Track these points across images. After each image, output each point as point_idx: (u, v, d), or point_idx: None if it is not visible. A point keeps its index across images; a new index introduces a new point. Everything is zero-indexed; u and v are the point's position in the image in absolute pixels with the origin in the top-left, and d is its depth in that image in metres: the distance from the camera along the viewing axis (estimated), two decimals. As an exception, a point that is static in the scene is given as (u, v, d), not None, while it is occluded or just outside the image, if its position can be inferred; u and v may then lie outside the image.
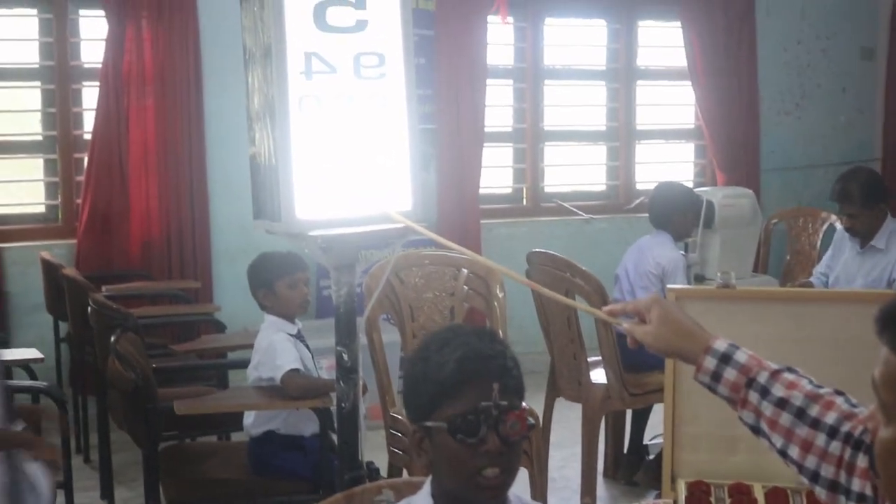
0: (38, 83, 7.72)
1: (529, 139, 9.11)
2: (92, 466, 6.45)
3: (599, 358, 5.74)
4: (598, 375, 5.77)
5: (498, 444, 2.31)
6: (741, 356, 2.26)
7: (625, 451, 6.26)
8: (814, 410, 2.15)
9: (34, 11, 7.65)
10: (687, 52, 9.22)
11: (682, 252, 6.56)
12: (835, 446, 2.10)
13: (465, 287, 5.30)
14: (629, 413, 6.19)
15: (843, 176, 6.17)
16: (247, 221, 7.42)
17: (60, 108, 7.66)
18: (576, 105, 9.52)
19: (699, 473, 3.04)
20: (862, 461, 2.07)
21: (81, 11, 7.72)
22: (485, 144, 8.61)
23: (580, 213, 9.00)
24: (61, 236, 7.66)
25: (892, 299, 1.69)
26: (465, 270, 5.34)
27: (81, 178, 7.58)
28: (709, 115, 9.31)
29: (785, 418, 2.17)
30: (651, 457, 6.12)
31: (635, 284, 6.15)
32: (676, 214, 6.30)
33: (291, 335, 4.92)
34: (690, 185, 8.08)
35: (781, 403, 2.18)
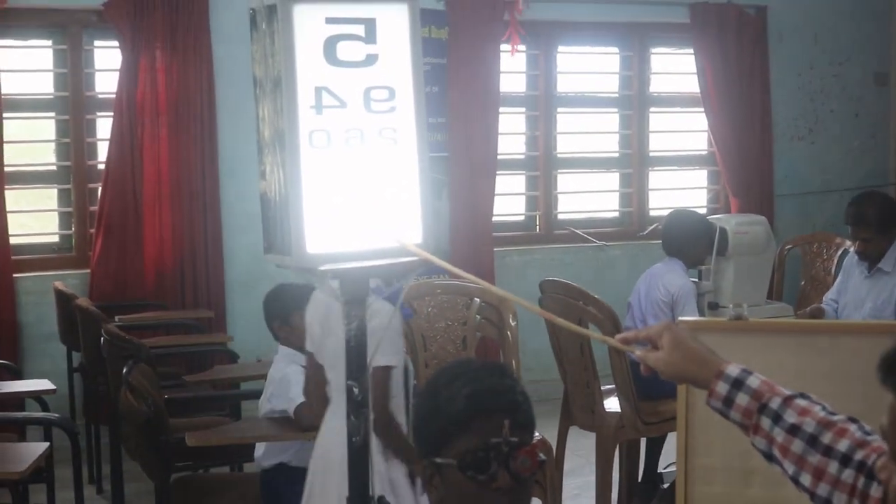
0: (52, 114, 7.76)
1: (542, 166, 9.10)
2: (105, 497, 6.46)
3: (613, 386, 5.72)
4: (612, 404, 5.75)
5: (509, 480, 2.30)
6: (754, 381, 2.25)
7: (639, 479, 6.23)
8: (826, 437, 2.14)
9: (49, 42, 7.70)
10: (699, 78, 9.22)
11: (695, 280, 6.55)
12: (847, 474, 2.09)
13: (478, 316, 5.31)
14: (643, 441, 6.17)
15: (858, 200, 6.17)
16: (260, 251, 7.40)
17: (74, 138, 7.69)
18: (588, 132, 9.54)
19: (712, 507, 3.03)
20: (876, 491, 2.05)
21: (96, 42, 7.78)
22: (497, 172, 8.61)
23: (593, 239, 8.99)
24: (75, 266, 7.68)
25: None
26: (477, 300, 5.35)
27: (95, 208, 7.59)
28: (722, 141, 9.30)
29: (797, 445, 2.16)
30: (666, 485, 6.10)
31: (646, 312, 6.13)
32: (689, 242, 6.30)
33: (304, 367, 4.91)
34: (704, 211, 8.11)
35: (794, 430, 2.17)
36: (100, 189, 7.56)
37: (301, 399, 4.69)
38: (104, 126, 7.69)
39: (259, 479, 5.03)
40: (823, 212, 9.49)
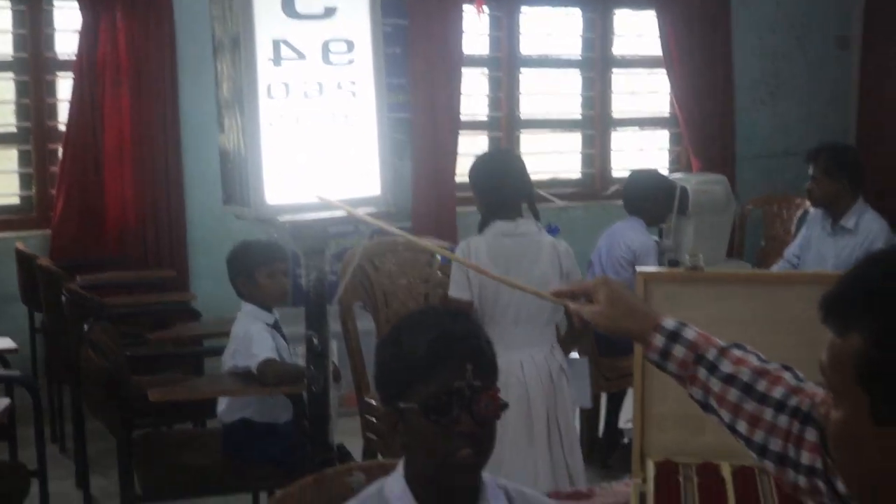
0: (11, 74, 7.69)
1: (505, 127, 9.12)
2: (67, 455, 6.45)
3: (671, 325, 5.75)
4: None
5: (471, 424, 2.31)
6: (690, 333, 2.27)
7: (600, 435, 6.29)
8: (761, 385, 2.16)
9: (8, 3, 7.61)
10: (662, 40, 9.26)
11: (656, 238, 6.60)
12: (783, 420, 2.12)
13: (440, 273, 5.31)
14: (604, 397, 6.22)
15: (823, 142, 6.37)
16: (223, 212, 7.43)
17: (34, 98, 7.64)
18: (551, 93, 9.53)
19: (668, 453, 3.06)
20: (811, 435, 2.08)
21: (56, 3, 7.69)
22: (460, 133, 8.62)
23: (555, 200, 9.00)
24: (36, 227, 7.65)
25: (832, 286, 1.71)
26: (439, 256, 5.36)
27: (56, 168, 7.57)
28: (684, 103, 9.34)
29: (733, 394, 2.19)
30: (626, 440, 6.16)
31: (607, 270, 6.19)
32: (649, 201, 6.36)
33: (268, 325, 4.94)
34: (665, 172, 8.13)
35: (729, 379, 2.19)
36: (60, 150, 7.52)
37: (265, 355, 4.72)
38: (65, 86, 7.64)
39: (221, 434, 5.06)
40: (784, 173, 9.53)
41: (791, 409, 2.12)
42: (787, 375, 2.17)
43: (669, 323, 2.28)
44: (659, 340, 2.27)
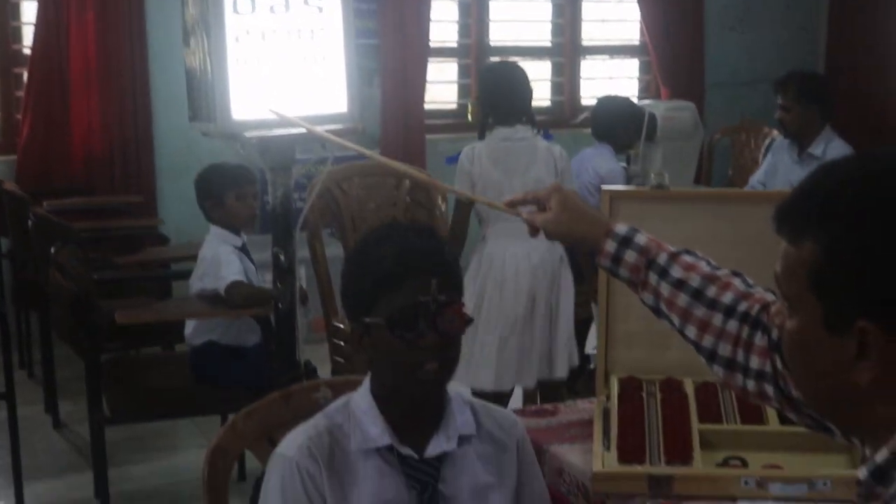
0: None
1: (475, 55, 9.07)
2: (36, 381, 6.46)
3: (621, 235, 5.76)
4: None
5: (436, 338, 2.33)
6: (641, 239, 2.29)
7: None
8: (711, 291, 2.18)
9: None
10: (632, -34, 9.24)
11: (624, 164, 6.62)
12: (732, 325, 2.14)
13: (408, 198, 5.32)
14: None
15: (792, 70, 6.38)
16: (191, 137, 7.40)
17: (2, 31, 7.57)
18: (521, 21, 9.48)
19: (632, 370, 3.10)
20: (760, 339, 2.11)
21: (20, -78, 7.61)
22: (430, 60, 8.59)
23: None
24: (1, 152, 7.59)
25: (785, 197, 1.72)
26: (407, 182, 5.36)
27: (21, 93, 7.50)
28: (653, 31, 9.33)
29: (682, 298, 2.21)
30: (592, 366, 6.18)
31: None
32: (617, 127, 6.36)
33: (236, 248, 4.95)
34: (634, 99, 8.13)
35: (679, 284, 2.21)
36: (26, 74, 7.45)
37: (232, 278, 4.73)
38: (30, 9, 7.55)
39: (189, 357, 5.08)
40: (753, 102, 9.54)
41: (740, 314, 2.14)
42: (736, 281, 2.19)
43: (621, 228, 2.29)
44: (611, 246, 2.28)
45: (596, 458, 2.68)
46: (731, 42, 9.79)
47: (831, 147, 6.06)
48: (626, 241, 2.28)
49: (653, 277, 2.25)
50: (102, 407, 4.60)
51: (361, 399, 2.46)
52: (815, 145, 6.01)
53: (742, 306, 2.15)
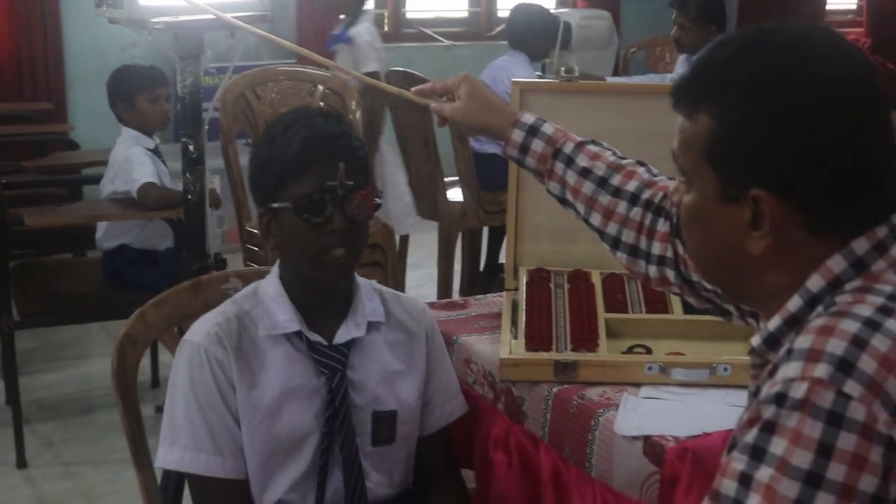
0: None
1: (391, -36, 9.04)
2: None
3: (456, 178, 5.82)
4: (455, 194, 5.86)
5: (344, 223, 2.34)
6: (548, 128, 2.30)
7: (480, 269, 6.38)
8: (615, 179, 2.21)
9: None
10: None
11: (539, 73, 6.63)
12: (636, 212, 2.17)
13: (322, 103, 5.30)
14: (485, 231, 6.30)
15: None
16: (102, 45, 7.30)
17: None
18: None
19: (541, 262, 3.12)
20: (662, 226, 2.15)
21: None
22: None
23: (442, 39, 9.00)
24: None
25: (682, 76, 1.76)
26: (321, 87, 5.35)
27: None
28: (571, -57, 9.34)
29: (588, 187, 2.23)
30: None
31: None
32: (532, 35, 6.35)
33: (149, 150, 4.91)
34: (550, 8, 8.13)
35: (585, 173, 2.24)
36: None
37: (145, 179, 4.68)
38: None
39: (100, 261, 5.05)
40: (668, 16, 9.57)
41: (644, 201, 2.18)
42: (641, 170, 2.23)
43: (528, 118, 2.31)
44: (518, 135, 2.30)
45: (503, 345, 2.71)
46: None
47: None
48: (532, 131, 2.30)
49: (559, 166, 2.27)
50: (11, 312, 4.57)
51: (270, 286, 2.48)
52: None
53: (646, 194, 2.18)
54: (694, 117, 1.69)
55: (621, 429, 2.41)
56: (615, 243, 2.22)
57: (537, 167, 2.31)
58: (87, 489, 4.40)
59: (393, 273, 5.20)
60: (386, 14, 9.05)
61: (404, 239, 6.05)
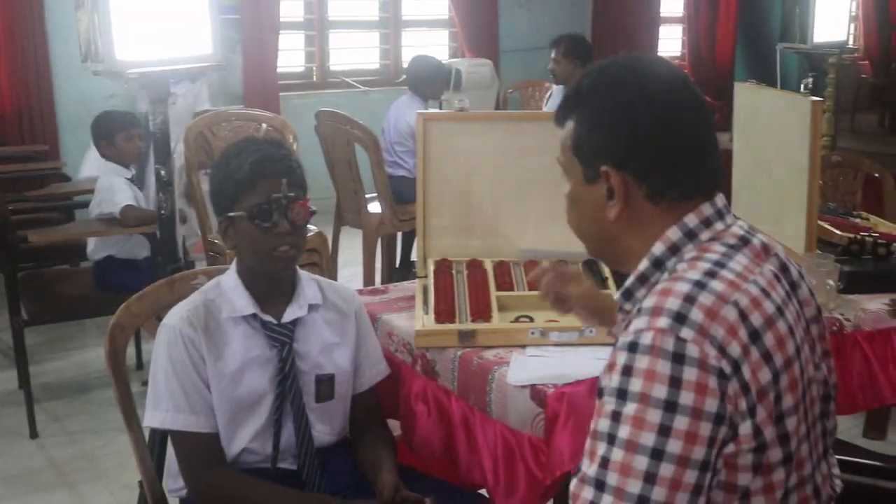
0: None
1: (317, 27, 9.00)
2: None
3: (375, 194, 5.82)
4: (374, 207, 5.85)
5: (287, 227, 2.37)
6: None
7: (397, 265, 6.37)
8: None
9: None
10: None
11: (438, 108, 6.62)
12: None
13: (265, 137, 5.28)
14: (400, 235, 6.29)
15: (563, 33, 6.69)
16: (86, 95, 7.17)
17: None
18: (355, 3, 9.41)
19: (444, 254, 3.12)
20: None
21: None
22: (280, 32, 8.48)
23: (359, 86, 9.01)
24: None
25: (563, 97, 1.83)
26: (264, 125, 5.33)
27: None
28: (459, 7, 9.36)
29: None
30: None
31: (394, 138, 6.20)
32: (424, 81, 6.29)
33: (127, 179, 4.88)
34: (443, 58, 8.15)
35: None
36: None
37: (126, 203, 4.67)
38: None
39: (91, 270, 5.01)
40: (538, 64, 9.55)
41: None
42: None
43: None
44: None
45: (417, 320, 2.72)
46: (521, 17, 9.87)
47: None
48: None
49: None
50: (21, 313, 4.50)
51: (229, 278, 2.49)
52: None
53: None
54: (564, 125, 1.77)
55: (512, 380, 2.43)
56: None
57: None
58: (89, 452, 4.34)
59: (327, 271, 5.18)
60: (315, 67, 9.03)
61: (335, 243, 6.03)
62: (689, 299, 1.55)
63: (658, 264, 1.69)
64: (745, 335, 1.55)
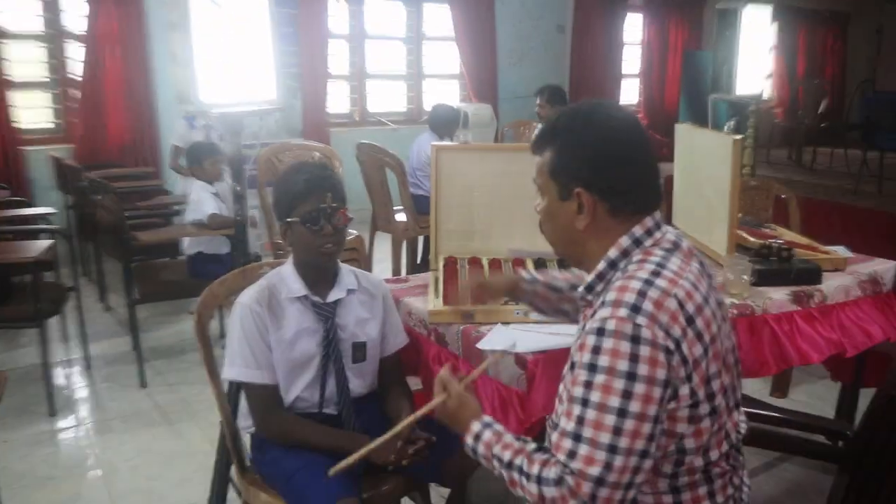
0: (44, 43, 7.23)
1: (358, 78, 9.00)
2: (93, 282, 6.30)
3: (401, 207, 5.81)
4: (401, 217, 5.84)
5: (331, 230, 2.36)
6: (539, 276, 2.31)
7: (418, 261, 6.37)
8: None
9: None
10: (454, 25, 9.21)
11: (449, 141, 6.59)
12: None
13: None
14: (421, 239, 6.29)
15: (545, 85, 6.67)
16: (182, 132, 7.13)
17: (59, 60, 7.24)
18: (386, 58, 9.35)
19: (451, 252, 3.12)
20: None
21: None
22: (330, 81, 8.48)
23: (390, 123, 9.00)
24: (65, 142, 7.27)
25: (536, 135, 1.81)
26: (317, 154, 5.33)
27: (76, 105, 7.21)
28: (468, 64, 9.36)
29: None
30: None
31: (416, 165, 6.19)
32: (440, 122, 6.30)
33: (213, 193, 4.89)
34: (455, 103, 8.13)
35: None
36: (79, 93, 7.17)
37: (211, 211, 4.69)
38: (78, 51, 7.23)
39: (185, 262, 5.03)
40: (528, 108, 9.54)
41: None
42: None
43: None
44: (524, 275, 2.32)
45: (430, 302, 2.72)
46: (514, 71, 9.85)
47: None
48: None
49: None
50: (134, 294, 4.52)
51: (287, 268, 2.48)
52: None
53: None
54: (542, 154, 1.75)
55: (481, 345, 2.43)
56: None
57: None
58: (184, 398, 4.36)
59: (364, 265, 5.18)
60: (356, 109, 9.04)
61: (371, 244, 6.02)
62: (642, 294, 1.57)
63: (613, 265, 1.70)
64: (683, 320, 1.57)
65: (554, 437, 1.59)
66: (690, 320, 1.58)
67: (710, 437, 1.64)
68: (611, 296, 1.59)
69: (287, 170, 2.46)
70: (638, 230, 1.70)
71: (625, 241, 1.70)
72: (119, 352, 4.98)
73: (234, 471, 2.56)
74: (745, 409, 2.31)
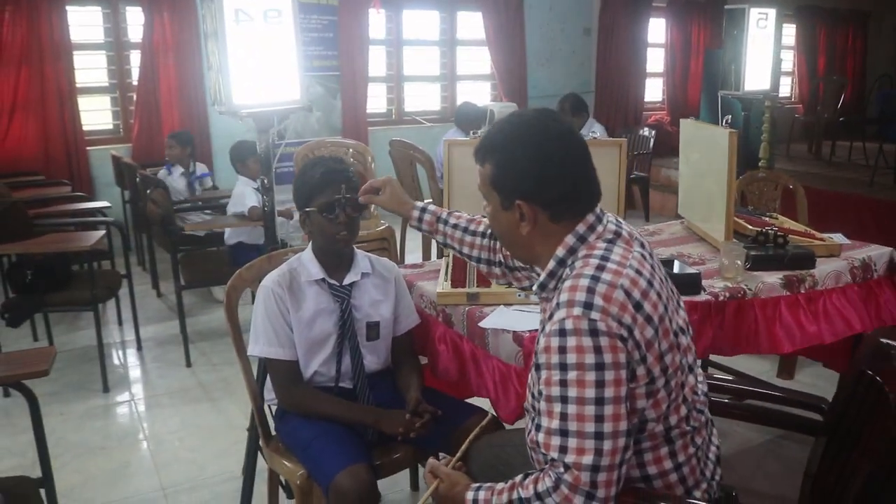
0: (105, 51, 7.41)
1: (396, 80, 9.04)
2: (146, 270, 6.45)
3: (430, 200, 5.83)
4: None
5: (345, 218, 2.41)
6: (431, 208, 2.29)
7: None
8: (472, 226, 2.23)
9: (98, 8, 7.35)
10: (485, 30, 9.18)
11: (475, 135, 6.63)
12: (486, 242, 2.20)
13: (352, 158, 5.36)
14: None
15: (567, 93, 6.63)
16: (232, 131, 7.29)
17: (119, 66, 7.40)
18: (422, 61, 9.35)
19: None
20: (497, 245, 2.19)
21: (129, 8, 7.43)
22: (369, 83, 8.52)
23: (425, 122, 9.04)
24: (123, 142, 7.43)
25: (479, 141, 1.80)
26: (351, 149, 5.40)
27: (133, 107, 7.37)
28: (498, 65, 9.32)
29: (458, 233, 2.24)
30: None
31: (443, 161, 6.23)
32: (466, 119, 6.37)
33: (254, 188, 4.95)
34: (483, 102, 8.16)
35: (455, 226, 2.24)
36: (135, 97, 7.33)
37: (252, 204, 4.76)
38: (136, 58, 7.40)
39: (227, 252, 5.11)
40: (553, 107, 9.61)
41: (488, 235, 2.21)
42: (484, 220, 2.24)
43: (420, 204, 2.31)
44: (416, 214, 2.30)
45: (440, 285, 2.77)
46: (542, 72, 9.81)
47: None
48: (423, 210, 2.30)
49: (440, 226, 2.27)
50: (181, 280, 4.63)
51: (306, 254, 2.53)
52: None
53: (488, 231, 2.21)
54: (484, 165, 1.75)
55: (484, 324, 2.47)
56: (478, 260, 2.23)
57: (429, 229, 2.30)
58: (225, 377, 4.45)
59: (393, 254, 5.25)
60: (394, 108, 9.09)
61: (403, 234, 6.08)
62: (591, 291, 1.59)
63: (561, 263, 1.71)
64: (632, 308, 1.59)
65: (541, 438, 1.60)
66: (638, 306, 1.60)
67: (669, 405, 1.67)
68: (563, 297, 1.60)
69: (305, 164, 2.51)
70: (581, 227, 1.71)
71: (570, 239, 1.70)
72: (168, 334, 5.09)
73: (262, 442, 2.65)
74: (732, 385, 2.35)
